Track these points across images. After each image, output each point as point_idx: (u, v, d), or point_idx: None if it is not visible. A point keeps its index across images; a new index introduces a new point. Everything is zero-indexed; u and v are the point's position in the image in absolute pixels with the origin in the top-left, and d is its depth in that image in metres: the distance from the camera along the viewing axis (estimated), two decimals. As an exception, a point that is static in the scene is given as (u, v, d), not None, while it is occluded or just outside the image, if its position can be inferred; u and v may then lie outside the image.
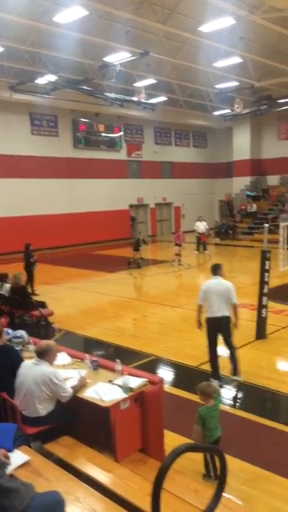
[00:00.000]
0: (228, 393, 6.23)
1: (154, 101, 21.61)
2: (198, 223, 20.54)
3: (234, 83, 20.57)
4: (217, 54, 16.48)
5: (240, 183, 27.99)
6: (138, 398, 4.08)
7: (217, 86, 21.18)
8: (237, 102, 21.92)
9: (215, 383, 5.93)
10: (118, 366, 4.46)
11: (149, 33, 15.05)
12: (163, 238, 26.71)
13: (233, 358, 6.53)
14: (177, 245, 16.89)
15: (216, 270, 6.55)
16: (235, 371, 6.51)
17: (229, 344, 6.48)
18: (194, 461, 4.12)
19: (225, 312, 6.32)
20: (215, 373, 6.50)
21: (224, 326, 6.38)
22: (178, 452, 2.23)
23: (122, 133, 25.45)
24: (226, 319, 6.35)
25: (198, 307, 6.53)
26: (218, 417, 4.27)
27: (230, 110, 23.78)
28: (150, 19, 13.50)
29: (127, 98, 19.71)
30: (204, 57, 17.04)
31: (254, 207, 26.10)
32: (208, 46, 15.43)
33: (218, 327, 6.36)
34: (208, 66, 17.82)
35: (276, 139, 27.41)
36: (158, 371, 7.11)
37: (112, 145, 25.32)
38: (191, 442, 4.07)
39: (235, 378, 6.51)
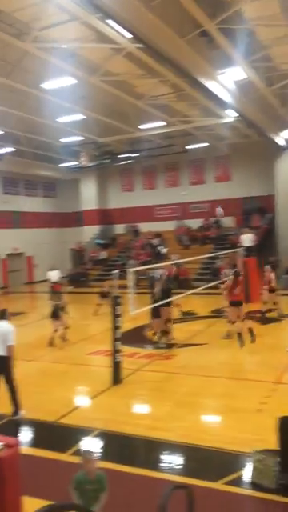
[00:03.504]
0: (90, 444, 6.18)
1: (0, 151, 21.38)
2: (50, 272, 20.38)
3: (79, 138, 21.52)
4: (60, 109, 17.14)
5: (90, 232, 28.81)
6: (-8, 465, 3.83)
7: (62, 140, 21.90)
8: (82, 156, 22.92)
9: None
10: None
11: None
12: (16, 289, 25.80)
13: (14, 398, 7.12)
14: None
15: (2, 315, 7.39)
16: (16, 412, 7.12)
17: (10, 384, 7.11)
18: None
19: (2, 352, 7.03)
20: None
21: (2, 365, 7.05)
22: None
23: None
24: (3, 359, 7.02)
25: None
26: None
27: (76, 163, 24.72)
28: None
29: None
30: (48, 111, 17.56)
31: (103, 254, 26.99)
32: (51, 101, 16.00)
33: None
34: (52, 120, 18.40)
35: (120, 191, 29.14)
36: (14, 433, 6.72)
37: None
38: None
39: (16, 417, 7.11)
